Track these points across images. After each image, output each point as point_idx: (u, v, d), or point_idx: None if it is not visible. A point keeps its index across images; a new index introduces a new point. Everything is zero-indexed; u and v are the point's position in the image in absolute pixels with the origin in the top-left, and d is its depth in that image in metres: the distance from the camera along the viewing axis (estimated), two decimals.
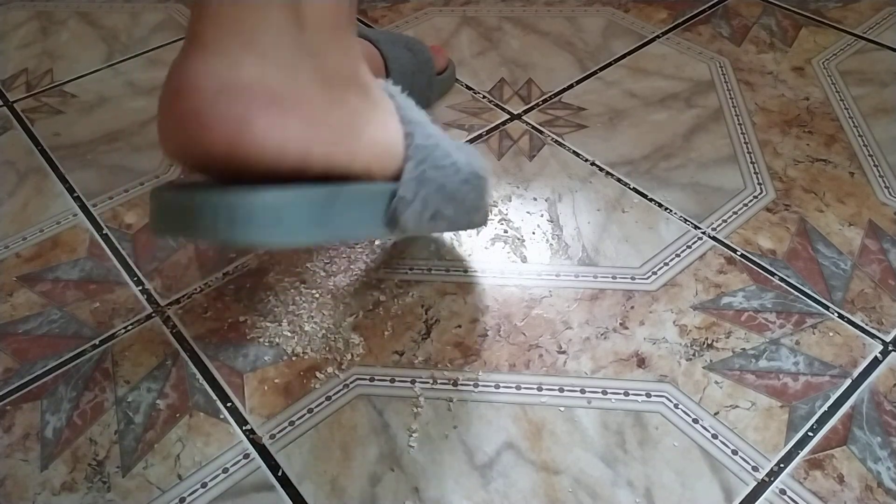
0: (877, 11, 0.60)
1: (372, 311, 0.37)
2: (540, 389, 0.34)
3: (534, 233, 0.41)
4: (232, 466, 0.31)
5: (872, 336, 0.36)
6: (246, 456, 0.31)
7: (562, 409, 0.33)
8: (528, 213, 0.43)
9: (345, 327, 0.36)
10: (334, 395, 0.34)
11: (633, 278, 0.39)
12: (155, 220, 0.23)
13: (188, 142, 0.22)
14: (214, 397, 0.34)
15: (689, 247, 0.40)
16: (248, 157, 0.22)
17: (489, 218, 0.42)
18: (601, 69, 0.54)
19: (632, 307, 0.37)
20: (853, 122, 0.48)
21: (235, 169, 0.23)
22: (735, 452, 0.31)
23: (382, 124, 0.29)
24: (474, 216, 0.34)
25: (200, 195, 0.22)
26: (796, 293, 0.38)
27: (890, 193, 0.43)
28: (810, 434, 0.32)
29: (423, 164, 0.30)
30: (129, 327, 0.37)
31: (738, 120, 0.49)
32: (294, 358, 0.35)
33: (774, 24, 0.59)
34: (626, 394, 0.33)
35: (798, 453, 0.31)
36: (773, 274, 0.39)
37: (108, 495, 0.30)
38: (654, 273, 0.39)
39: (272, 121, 0.23)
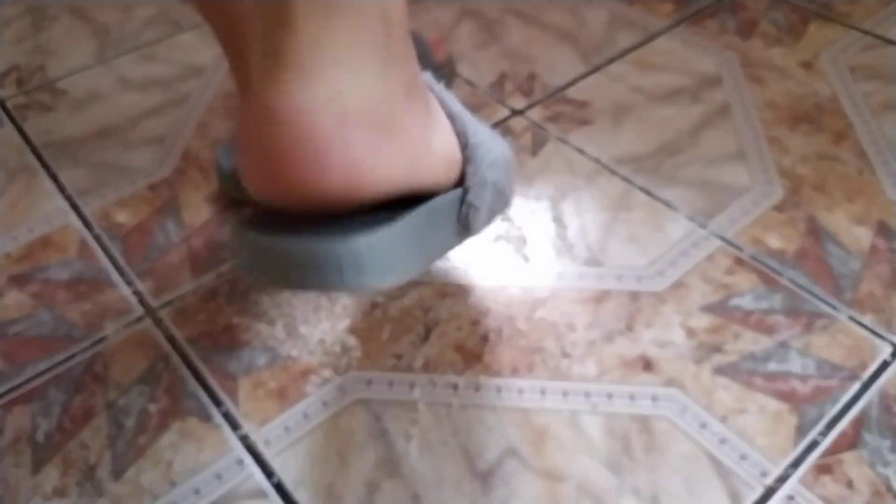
0: (885, 6, 0.59)
1: (369, 313, 0.36)
2: (543, 394, 0.33)
3: (537, 232, 0.41)
4: (225, 473, 0.30)
5: (881, 338, 0.35)
6: (239, 462, 0.31)
7: (566, 414, 0.32)
8: (530, 211, 0.42)
9: (341, 330, 0.36)
10: (330, 399, 0.33)
11: (639, 279, 0.38)
12: (258, 270, 0.20)
13: (301, 184, 0.20)
14: (208, 401, 0.33)
15: (697, 246, 0.40)
16: (364, 194, 0.21)
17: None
18: (605, 63, 0.53)
19: (638, 309, 0.36)
20: (862, 119, 0.48)
21: (329, 203, 0.21)
22: (743, 458, 0.30)
23: (442, 128, 0.27)
24: (507, 206, 0.32)
25: (318, 243, 0.20)
26: (805, 294, 0.37)
27: None
28: (819, 438, 0.31)
29: (481, 165, 0.28)
30: (120, 329, 0.36)
31: (746, 116, 0.48)
32: (289, 361, 0.34)
33: (782, 19, 0.57)
34: (632, 398, 0.33)
35: (807, 458, 0.30)
36: (781, 274, 0.38)
37: (99, 500, 0.30)
38: (661, 273, 0.38)
39: (382, 153, 0.21)
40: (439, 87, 0.29)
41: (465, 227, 0.27)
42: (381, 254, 0.21)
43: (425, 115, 0.25)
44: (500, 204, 0.30)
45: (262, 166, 0.20)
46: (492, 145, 0.30)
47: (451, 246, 0.28)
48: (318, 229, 0.20)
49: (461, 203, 0.27)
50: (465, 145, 0.28)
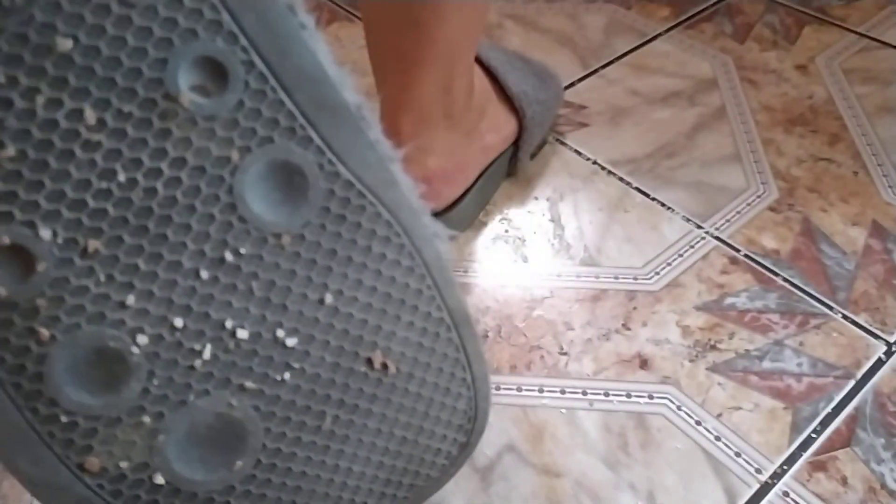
0: (880, 9, 0.59)
1: None
2: (541, 391, 0.33)
3: (535, 233, 0.41)
4: None
5: (876, 337, 0.35)
6: None
7: (563, 411, 0.32)
8: (529, 212, 0.42)
9: None
10: None
11: (635, 279, 0.38)
12: None
13: None
14: None
15: (692, 247, 0.40)
16: (449, 202, 0.37)
17: (490, 217, 0.42)
18: (603, 67, 0.53)
19: (634, 308, 0.37)
20: (857, 121, 0.48)
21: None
22: (738, 454, 0.31)
23: (500, 125, 0.38)
24: (556, 115, 0.45)
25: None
26: (800, 293, 0.37)
27: (894, 193, 0.43)
28: (814, 436, 0.31)
29: (530, 106, 0.39)
30: None
31: (742, 118, 0.49)
32: None
33: (777, 22, 0.58)
34: (629, 395, 0.33)
35: (801, 455, 0.31)
36: (776, 274, 0.38)
37: None
38: (657, 273, 0.39)
39: (456, 181, 0.36)
40: (503, 71, 0.39)
41: (512, 172, 0.42)
42: (455, 220, 0.36)
43: (484, 132, 0.37)
44: (543, 139, 0.44)
45: None
46: (529, 75, 0.41)
47: (500, 184, 0.41)
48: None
49: (512, 155, 0.40)
50: (522, 116, 0.39)
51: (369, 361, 0.13)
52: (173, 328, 0.12)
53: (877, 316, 0.36)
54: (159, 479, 0.13)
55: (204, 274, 0.12)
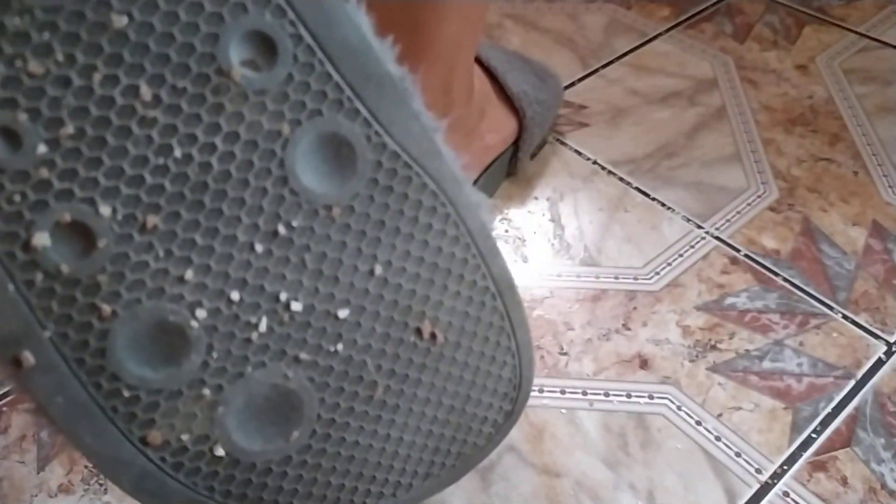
0: (880, 9, 0.59)
1: None
2: (541, 391, 0.33)
3: (535, 233, 0.41)
4: None
5: (876, 337, 0.35)
6: None
7: (563, 411, 0.32)
8: (528, 212, 0.42)
9: None
10: None
11: (635, 279, 0.38)
12: None
13: None
14: None
15: (693, 247, 0.40)
16: None
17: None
18: (603, 67, 0.53)
19: (634, 308, 0.37)
20: (857, 121, 0.48)
21: None
22: (738, 454, 0.31)
23: (500, 126, 0.38)
24: (557, 110, 0.44)
25: None
26: (800, 293, 0.37)
27: (894, 193, 0.43)
28: (814, 436, 0.31)
29: (530, 106, 0.38)
30: None
31: (742, 118, 0.49)
32: None
33: (778, 22, 0.58)
34: (629, 395, 0.33)
35: (801, 455, 0.31)
36: (776, 274, 0.38)
37: (105, 497, 0.30)
38: (657, 273, 0.39)
39: None
40: (503, 71, 0.38)
41: (512, 171, 0.42)
42: None
43: (483, 133, 0.37)
44: (543, 139, 0.43)
45: None
46: (530, 77, 0.41)
47: (500, 184, 0.40)
48: None
49: (511, 155, 0.40)
50: (522, 116, 0.39)
51: (419, 331, 0.14)
52: (230, 301, 0.13)
53: (877, 316, 0.36)
54: (219, 451, 0.13)
55: (258, 247, 0.13)
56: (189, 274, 0.12)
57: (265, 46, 0.12)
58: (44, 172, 0.11)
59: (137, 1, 0.11)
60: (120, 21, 0.11)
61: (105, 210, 0.12)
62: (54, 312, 0.12)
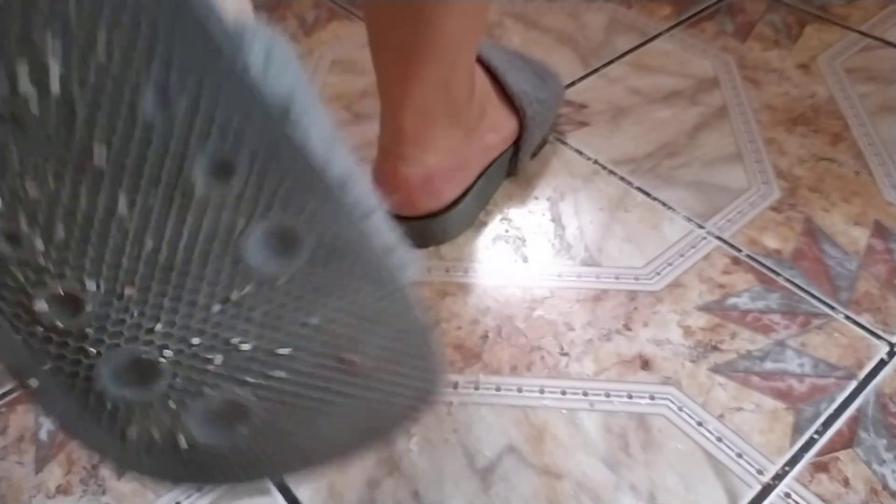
0: (882, 9, 0.59)
1: None
2: (542, 392, 0.33)
3: (535, 233, 0.41)
4: None
5: (878, 337, 0.35)
6: None
7: (564, 411, 0.32)
8: (529, 212, 0.42)
9: None
10: None
11: (636, 279, 0.38)
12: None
13: (410, 206, 0.37)
14: None
15: (694, 247, 0.40)
16: (448, 202, 0.38)
17: (491, 217, 0.42)
18: (604, 66, 0.53)
19: (635, 308, 0.37)
20: (859, 121, 0.48)
21: (430, 210, 0.38)
22: (740, 455, 0.31)
23: (500, 125, 0.39)
24: (558, 108, 0.45)
25: (426, 222, 0.38)
26: (802, 294, 0.37)
27: None
28: (815, 436, 0.31)
29: (530, 106, 0.39)
30: None
31: (743, 118, 0.48)
32: None
33: (779, 21, 0.58)
34: (630, 396, 0.33)
35: (803, 456, 0.31)
36: (778, 274, 0.38)
37: (103, 498, 0.30)
38: (658, 273, 0.39)
39: (455, 179, 0.37)
40: (504, 70, 0.39)
41: (513, 171, 0.42)
42: (456, 219, 0.39)
43: (484, 132, 0.38)
44: (543, 138, 0.44)
45: (390, 196, 0.33)
46: (530, 77, 0.41)
47: (500, 184, 0.43)
48: (425, 217, 0.38)
49: (512, 155, 0.41)
50: (523, 116, 0.39)
51: (341, 360, 0.18)
52: (191, 345, 0.17)
53: (879, 316, 0.36)
54: (182, 443, 0.18)
55: (215, 308, 0.16)
56: (158, 327, 0.16)
57: (224, 167, 0.15)
58: (41, 261, 0.15)
59: (115, 133, 0.14)
60: (101, 150, 0.14)
61: (90, 285, 0.16)
62: (52, 353, 0.16)
